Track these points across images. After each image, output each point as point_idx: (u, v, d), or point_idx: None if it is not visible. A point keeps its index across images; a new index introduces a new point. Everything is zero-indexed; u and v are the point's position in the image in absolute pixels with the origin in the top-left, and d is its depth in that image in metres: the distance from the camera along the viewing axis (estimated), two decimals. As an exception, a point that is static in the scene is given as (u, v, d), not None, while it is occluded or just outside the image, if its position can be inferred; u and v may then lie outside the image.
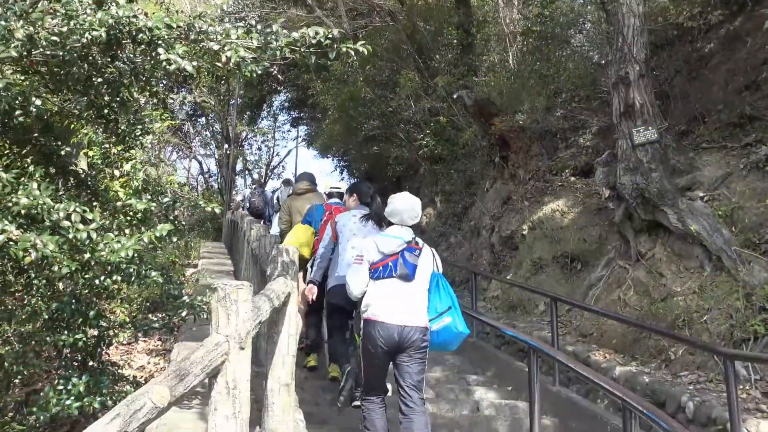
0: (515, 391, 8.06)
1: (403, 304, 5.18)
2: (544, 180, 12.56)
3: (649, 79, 9.26)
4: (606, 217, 10.34)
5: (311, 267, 6.95)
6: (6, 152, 6.21)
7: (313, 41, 4.78)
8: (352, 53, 5.14)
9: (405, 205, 5.44)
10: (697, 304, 7.66)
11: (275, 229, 9.34)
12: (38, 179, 5.07)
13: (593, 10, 14.39)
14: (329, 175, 49.03)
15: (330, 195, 8.22)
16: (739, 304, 7.16)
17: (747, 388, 6.50)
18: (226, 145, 31.02)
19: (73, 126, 6.78)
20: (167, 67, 4.73)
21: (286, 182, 16.97)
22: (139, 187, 7.52)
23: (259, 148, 37.12)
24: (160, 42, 4.68)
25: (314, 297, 6.68)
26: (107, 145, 7.25)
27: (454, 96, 14.82)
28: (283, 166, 38.28)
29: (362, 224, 6.52)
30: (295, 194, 9.21)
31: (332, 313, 6.79)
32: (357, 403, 5.99)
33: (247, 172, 36.70)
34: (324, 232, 6.95)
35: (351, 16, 22.58)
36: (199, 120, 34.72)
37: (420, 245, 5.39)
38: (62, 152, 6.35)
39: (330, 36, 4.82)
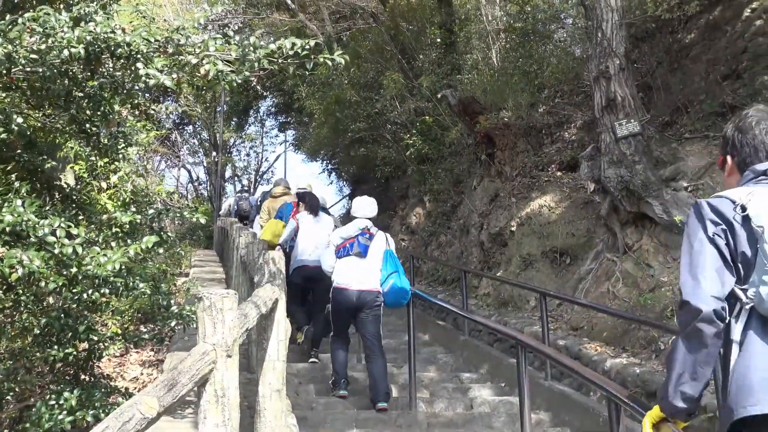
0: (509, 387, 8.11)
1: (359, 275, 7.18)
2: (531, 176, 12.61)
3: (629, 72, 9.34)
4: (593, 210, 10.40)
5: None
6: (-10, 170, 6.23)
7: (291, 52, 4.81)
8: (334, 60, 5.20)
9: (364, 203, 7.68)
10: (684, 293, 7.70)
11: (257, 229, 10.99)
12: (24, 195, 5.09)
13: (572, 5, 14.46)
14: (317, 177, 49.28)
15: (299, 194, 9.87)
16: (726, 292, 7.21)
17: (736, 375, 6.55)
18: (214, 153, 30.95)
19: (57, 141, 6.79)
20: (147, 81, 4.76)
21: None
22: (127, 199, 7.55)
23: (248, 154, 37.01)
24: (139, 56, 4.70)
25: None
26: (93, 158, 7.27)
27: (439, 95, 14.87)
28: (272, 171, 38.04)
29: (313, 219, 8.87)
30: (272, 197, 10.63)
31: (291, 288, 8.10)
32: (314, 360, 8.61)
33: (236, 178, 36.65)
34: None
35: (334, 19, 22.60)
36: (186, 128, 34.67)
37: (373, 231, 7.41)
38: (47, 167, 6.37)
39: (307, 46, 4.84)
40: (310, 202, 9.06)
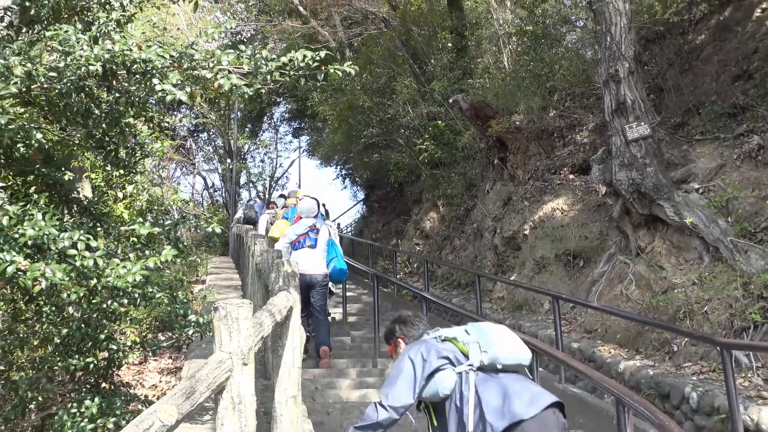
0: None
1: (311, 263, 9.07)
2: (543, 179, 12.66)
3: (639, 75, 9.37)
4: (605, 213, 10.43)
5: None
6: (10, 183, 6.35)
7: (302, 64, 4.90)
8: (346, 69, 5.28)
9: (308, 206, 9.58)
10: (697, 295, 7.75)
11: (261, 229, 12.92)
12: (44, 207, 5.20)
13: (582, 8, 14.49)
14: (331, 183, 49.84)
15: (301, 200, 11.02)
16: (738, 294, 7.24)
17: (749, 375, 6.59)
18: (228, 160, 31.13)
19: (74, 154, 6.91)
20: (163, 96, 4.86)
21: (281, 196, 18.76)
22: (143, 207, 7.66)
23: (262, 161, 37.16)
24: (154, 72, 4.81)
25: None
26: (108, 169, 7.40)
27: (450, 100, 14.94)
28: (287, 177, 38.19)
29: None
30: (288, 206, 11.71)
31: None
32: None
33: (251, 184, 36.80)
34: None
35: (346, 25, 22.71)
36: (200, 136, 34.87)
37: (318, 226, 9.38)
38: (64, 180, 6.49)
39: (318, 58, 4.93)
40: None
